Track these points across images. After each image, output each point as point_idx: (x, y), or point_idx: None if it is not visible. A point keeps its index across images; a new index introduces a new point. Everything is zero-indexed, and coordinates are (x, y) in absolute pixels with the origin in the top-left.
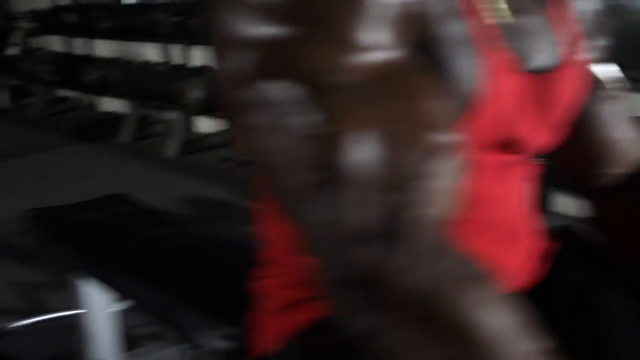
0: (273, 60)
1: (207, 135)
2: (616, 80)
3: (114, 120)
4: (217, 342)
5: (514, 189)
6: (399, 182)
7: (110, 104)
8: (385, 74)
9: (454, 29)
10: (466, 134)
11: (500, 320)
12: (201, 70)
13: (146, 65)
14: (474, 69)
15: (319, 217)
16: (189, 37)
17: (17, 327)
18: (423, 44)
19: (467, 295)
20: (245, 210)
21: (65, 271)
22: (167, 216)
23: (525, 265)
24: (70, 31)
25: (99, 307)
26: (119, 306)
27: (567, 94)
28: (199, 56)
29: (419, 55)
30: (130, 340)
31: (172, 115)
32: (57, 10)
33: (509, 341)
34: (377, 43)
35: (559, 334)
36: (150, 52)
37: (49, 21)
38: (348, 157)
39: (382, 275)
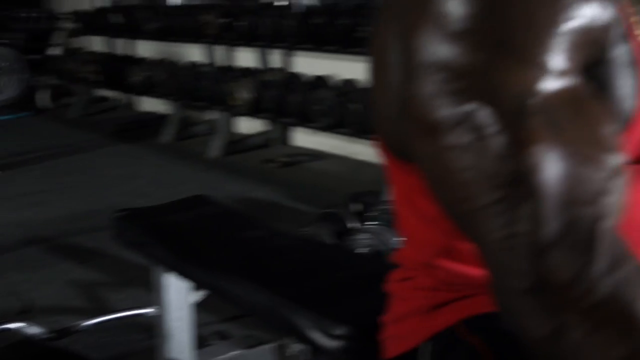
0: (468, 83)
1: (248, 136)
2: None
3: (154, 120)
4: (324, 341)
5: None
6: (588, 197)
7: (150, 104)
8: (570, 99)
9: (621, 52)
10: (625, 149)
11: None
12: (246, 72)
13: (192, 67)
14: (634, 89)
15: (511, 230)
16: (235, 39)
17: (96, 324)
18: (592, 67)
19: None
20: (295, 211)
21: (152, 269)
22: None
23: None
24: (113, 32)
25: (180, 304)
26: (196, 299)
27: None
28: (243, 58)
29: (588, 78)
30: (200, 338)
31: (214, 115)
32: (101, 11)
33: None
34: (564, 69)
35: None
36: (193, 53)
37: (91, 22)
38: (541, 174)
39: (578, 282)
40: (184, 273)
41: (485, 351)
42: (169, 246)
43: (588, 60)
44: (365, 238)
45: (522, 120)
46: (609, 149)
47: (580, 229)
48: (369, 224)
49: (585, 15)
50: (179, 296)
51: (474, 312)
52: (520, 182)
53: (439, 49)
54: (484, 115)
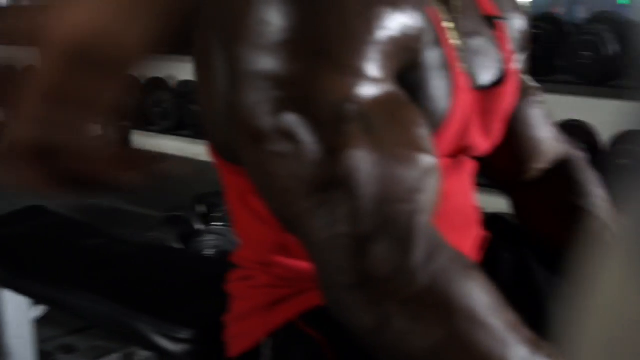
0: (288, 93)
1: None
2: (536, 87)
3: None
4: (168, 345)
5: (464, 183)
6: (404, 195)
7: None
8: (384, 104)
9: (434, 56)
10: (437, 146)
11: (487, 298)
12: None
13: None
14: (446, 90)
15: (333, 231)
16: None
17: None
18: (407, 72)
19: (466, 280)
20: (139, 216)
21: None
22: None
23: (474, 250)
24: None
25: (19, 321)
26: (35, 315)
27: (506, 104)
28: None
29: (402, 81)
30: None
31: None
32: None
33: (498, 313)
34: (379, 76)
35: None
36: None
37: None
38: (357, 177)
39: (398, 275)
40: (20, 289)
41: (323, 342)
42: (3, 262)
43: (402, 66)
44: (211, 240)
45: (339, 127)
46: (421, 150)
47: (398, 224)
48: (215, 225)
49: (399, 23)
50: (17, 313)
51: (310, 305)
52: (338, 186)
53: (259, 59)
54: (302, 123)
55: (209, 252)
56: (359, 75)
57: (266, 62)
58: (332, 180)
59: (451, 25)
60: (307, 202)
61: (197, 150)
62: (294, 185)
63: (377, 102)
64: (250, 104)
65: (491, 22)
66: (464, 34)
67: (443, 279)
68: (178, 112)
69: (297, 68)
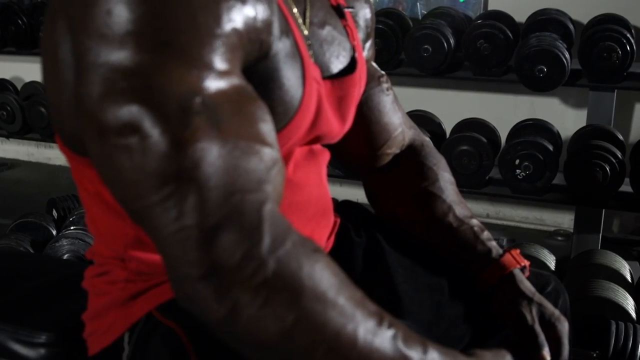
0: (134, 85)
1: None
2: (384, 74)
3: None
4: (25, 351)
5: (319, 173)
6: (251, 185)
7: None
8: (231, 98)
9: (284, 46)
10: (292, 135)
11: (333, 278)
12: None
13: None
14: (298, 79)
15: (181, 223)
16: None
17: None
18: (256, 63)
19: (312, 263)
20: None
21: None
22: None
23: (330, 237)
24: None
25: None
26: None
27: (357, 91)
28: None
29: (254, 72)
30: None
31: None
32: None
33: (345, 292)
34: (226, 69)
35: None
36: None
37: None
38: (204, 169)
39: (247, 262)
40: None
41: (182, 333)
42: None
43: (250, 57)
44: (66, 244)
45: (185, 119)
46: (267, 144)
47: (246, 213)
48: (70, 229)
49: (246, 16)
50: None
51: (167, 297)
52: (185, 178)
53: (105, 50)
54: (148, 115)
55: (64, 256)
56: (206, 67)
57: (112, 54)
58: (179, 173)
59: (301, 15)
60: (154, 196)
61: (48, 154)
62: (140, 178)
63: (224, 95)
64: (95, 96)
65: (340, 11)
66: (314, 23)
67: (291, 264)
68: (25, 114)
69: (143, 60)
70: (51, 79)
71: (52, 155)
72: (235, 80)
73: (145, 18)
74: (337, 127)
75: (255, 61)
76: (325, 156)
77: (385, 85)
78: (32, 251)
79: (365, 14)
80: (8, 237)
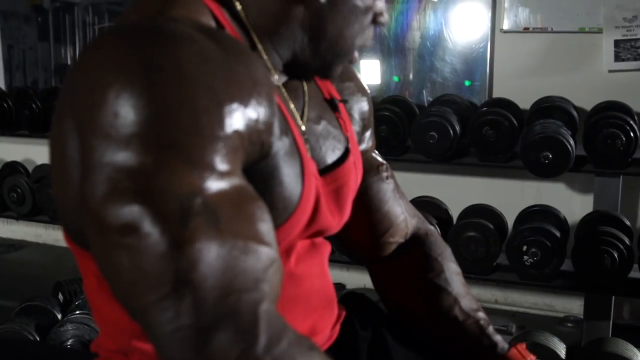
0: (136, 185)
1: None
2: (384, 163)
3: None
4: None
5: (321, 265)
6: (248, 285)
7: None
8: (231, 198)
9: (283, 144)
10: (293, 230)
11: None
12: None
13: None
14: (297, 176)
15: (177, 324)
16: None
17: None
18: (257, 163)
19: None
20: None
21: None
22: None
23: (333, 329)
24: None
25: None
26: None
27: (352, 180)
28: None
29: (255, 171)
30: None
31: None
32: None
33: None
34: (227, 170)
35: None
36: None
37: None
38: (201, 270)
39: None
40: None
41: None
42: None
43: (252, 158)
44: (71, 329)
45: (184, 220)
46: (265, 243)
47: (242, 313)
48: (75, 313)
49: (247, 119)
50: None
51: None
52: (182, 279)
53: (110, 151)
54: (148, 215)
55: (68, 342)
56: (207, 169)
57: (117, 154)
58: (176, 273)
59: (299, 111)
60: (152, 295)
61: (55, 235)
62: (139, 277)
63: (224, 196)
64: (99, 194)
65: (334, 104)
66: (311, 119)
67: None
68: (35, 196)
69: (146, 161)
70: (58, 175)
71: (60, 237)
72: (236, 180)
73: (149, 120)
74: (334, 221)
75: (257, 161)
76: (327, 248)
77: (384, 174)
78: (36, 336)
79: (361, 107)
80: (13, 320)
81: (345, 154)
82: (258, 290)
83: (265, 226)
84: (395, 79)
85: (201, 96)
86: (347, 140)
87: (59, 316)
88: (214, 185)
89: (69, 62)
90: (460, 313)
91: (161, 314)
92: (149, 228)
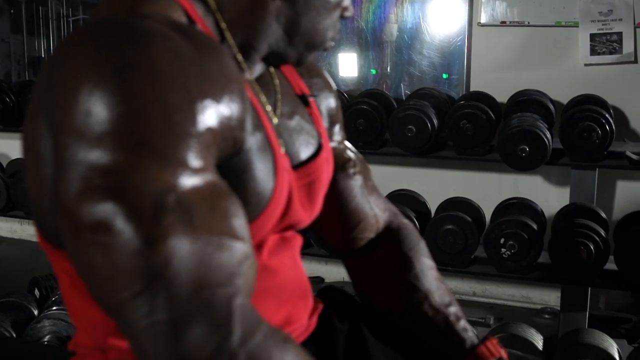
0: (109, 183)
1: None
2: (355, 158)
3: None
4: None
5: (294, 258)
6: (222, 279)
7: None
8: (204, 195)
9: (256, 139)
10: (266, 224)
11: None
12: None
13: None
14: (270, 171)
15: (152, 319)
16: None
17: None
18: (230, 158)
19: (282, 353)
20: None
21: None
22: None
23: (310, 319)
24: None
25: None
26: None
27: (325, 176)
28: None
29: (228, 166)
30: None
31: None
32: None
33: None
34: (200, 166)
35: None
36: None
37: None
38: (174, 266)
39: (219, 356)
40: None
41: None
42: None
43: (224, 154)
44: (47, 325)
45: (157, 217)
46: (239, 238)
47: (216, 308)
48: (52, 309)
49: (219, 115)
50: None
51: None
52: (156, 275)
53: (83, 149)
54: (121, 213)
55: (45, 338)
56: (180, 166)
57: (90, 152)
58: (151, 270)
59: (270, 107)
60: (126, 292)
61: (31, 230)
62: (113, 274)
63: (197, 192)
64: (72, 193)
65: (305, 100)
66: (284, 114)
67: (261, 355)
68: (9, 191)
69: (119, 159)
70: (31, 174)
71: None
72: (209, 176)
73: (122, 118)
74: (306, 215)
75: (230, 157)
76: (298, 241)
77: (351, 171)
78: (13, 333)
79: (328, 103)
80: None
81: (318, 149)
82: (232, 285)
83: (239, 221)
84: (373, 71)
85: (174, 93)
86: (319, 135)
87: (36, 312)
88: (187, 181)
89: (42, 55)
90: (430, 309)
91: (136, 311)
92: (122, 225)
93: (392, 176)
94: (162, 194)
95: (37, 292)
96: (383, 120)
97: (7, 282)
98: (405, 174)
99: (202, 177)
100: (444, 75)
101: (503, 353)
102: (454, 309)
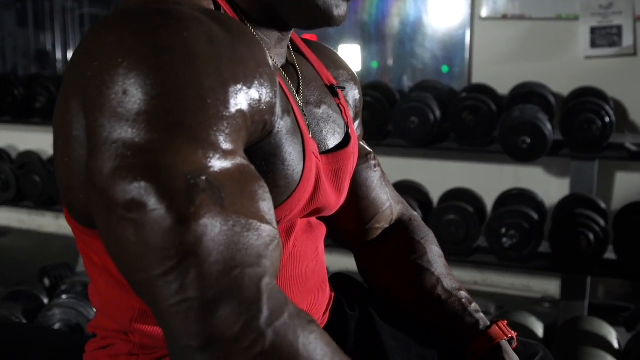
0: (142, 162)
1: None
2: (371, 152)
3: None
4: None
5: (317, 246)
6: (251, 260)
7: None
8: (235, 177)
9: (285, 123)
10: (294, 207)
11: (327, 347)
12: None
13: None
14: (299, 155)
15: (182, 296)
16: None
17: None
18: (261, 141)
19: (307, 334)
20: None
21: None
22: None
23: (326, 309)
24: None
25: None
26: None
27: (350, 164)
28: None
29: (259, 149)
30: None
31: None
32: None
33: None
34: (231, 149)
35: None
36: None
37: None
38: (205, 244)
39: (247, 334)
40: None
41: None
42: None
43: (254, 137)
44: (58, 313)
45: (190, 197)
46: (266, 221)
47: (245, 287)
48: (62, 297)
49: (251, 99)
50: None
51: None
52: (188, 253)
53: (118, 128)
54: (154, 191)
55: (57, 325)
56: (212, 148)
57: (124, 131)
58: (182, 247)
59: (300, 95)
60: (157, 269)
61: (40, 221)
62: (144, 251)
63: (228, 174)
64: (106, 171)
65: (334, 91)
66: (311, 103)
67: (288, 335)
68: (19, 183)
69: (153, 138)
70: (62, 154)
71: (44, 222)
72: (239, 159)
73: (158, 99)
74: (334, 199)
75: (259, 140)
76: (322, 230)
77: (372, 162)
78: (24, 321)
79: (354, 94)
80: (0, 306)
81: (346, 139)
82: (260, 265)
83: (266, 205)
84: (374, 64)
85: (207, 76)
86: (346, 125)
87: (46, 301)
88: (218, 163)
89: (48, 49)
90: (443, 292)
91: (166, 287)
92: (155, 204)
93: (394, 167)
94: (195, 174)
95: (46, 281)
96: (386, 112)
97: (17, 272)
98: (407, 165)
99: (232, 160)
100: (446, 68)
101: (514, 334)
102: (464, 293)
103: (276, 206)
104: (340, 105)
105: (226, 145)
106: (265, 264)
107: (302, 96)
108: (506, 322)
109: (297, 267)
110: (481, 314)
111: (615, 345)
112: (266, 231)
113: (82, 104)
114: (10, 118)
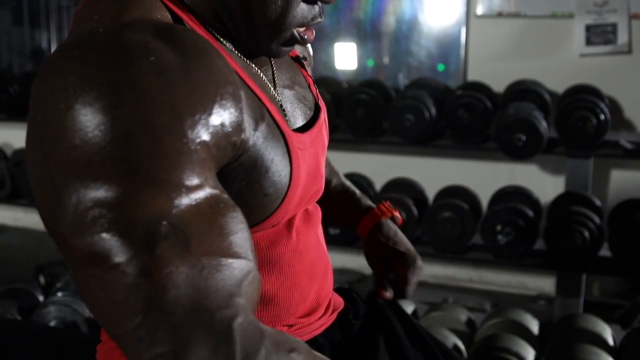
0: (103, 215)
1: None
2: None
3: None
4: None
5: (317, 233)
6: (221, 302)
7: None
8: (202, 213)
9: (263, 130)
10: (286, 209)
11: None
12: None
13: None
14: (284, 154)
15: (154, 351)
16: None
17: None
18: (240, 157)
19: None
20: None
21: None
22: None
23: (331, 291)
24: None
25: None
26: None
27: (325, 139)
28: None
29: (238, 166)
30: None
31: None
32: None
33: None
34: (197, 183)
35: None
36: None
37: None
38: (171, 295)
39: None
40: None
41: None
42: None
43: (224, 161)
44: (53, 310)
45: (151, 246)
46: (238, 256)
47: (216, 331)
48: (57, 295)
49: (212, 126)
50: None
51: None
52: (153, 307)
53: (75, 182)
54: (117, 245)
55: (52, 322)
56: (174, 188)
57: (81, 184)
58: (148, 302)
59: (270, 82)
60: (127, 326)
61: (35, 219)
62: (113, 309)
63: (194, 211)
64: (68, 224)
65: (300, 62)
66: (285, 86)
67: None
68: (14, 180)
69: (110, 189)
70: (35, 184)
71: (40, 220)
72: (208, 191)
73: (110, 146)
74: (322, 175)
75: (232, 160)
76: (319, 215)
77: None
78: (19, 318)
79: (310, 61)
80: None
81: (318, 110)
82: (231, 306)
83: (239, 236)
84: (370, 63)
85: (160, 113)
86: (314, 97)
87: (41, 298)
88: (183, 202)
89: (44, 46)
90: (340, 187)
91: (138, 344)
92: (117, 258)
93: (390, 165)
94: (155, 222)
95: (42, 278)
96: (382, 110)
97: (12, 269)
98: (403, 163)
99: (199, 194)
100: (441, 66)
101: (395, 212)
102: (352, 188)
103: (271, 213)
104: (306, 78)
105: (190, 181)
106: (238, 302)
107: (277, 82)
108: (389, 203)
109: (303, 260)
110: (369, 202)
111: (610, 342)
112: (239, 267)
113: (42, 151)
114: (5, 115)
